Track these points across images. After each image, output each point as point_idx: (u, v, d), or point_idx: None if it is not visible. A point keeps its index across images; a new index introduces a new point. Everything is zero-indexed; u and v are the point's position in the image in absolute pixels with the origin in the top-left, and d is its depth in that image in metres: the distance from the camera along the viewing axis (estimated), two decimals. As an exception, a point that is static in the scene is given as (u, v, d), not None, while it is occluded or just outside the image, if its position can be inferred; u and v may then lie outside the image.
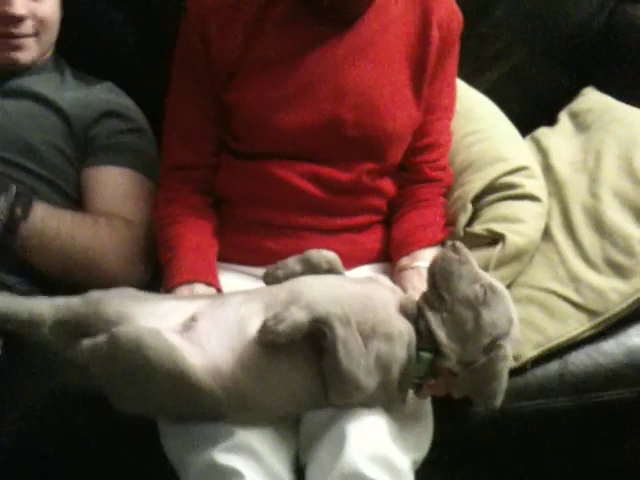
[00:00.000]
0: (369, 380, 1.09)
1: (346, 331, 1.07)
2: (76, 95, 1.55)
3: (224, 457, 1.09)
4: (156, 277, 1.41)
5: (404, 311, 1.15)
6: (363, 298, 1.14)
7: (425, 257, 1.38)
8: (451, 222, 1.44)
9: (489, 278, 1.13)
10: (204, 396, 1.08)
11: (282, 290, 1.16)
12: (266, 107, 1.36)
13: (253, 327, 1.10)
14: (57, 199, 1.48)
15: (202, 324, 1.12)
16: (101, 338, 1.09)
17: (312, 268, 1.21)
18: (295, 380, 1.10)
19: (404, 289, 1.33)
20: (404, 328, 1.13)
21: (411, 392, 1.16)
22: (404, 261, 1.40)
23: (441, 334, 1.11)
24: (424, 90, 1.41)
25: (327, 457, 1.10)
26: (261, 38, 1.37)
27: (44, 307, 1.14)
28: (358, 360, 1.08)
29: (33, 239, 1.36)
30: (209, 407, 1.10)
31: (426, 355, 1.13)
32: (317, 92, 1.36)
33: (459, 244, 1.13)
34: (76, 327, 1.13)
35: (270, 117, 1.36)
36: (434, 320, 1.12)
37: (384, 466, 1.09)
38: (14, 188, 1.35)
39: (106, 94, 1.59)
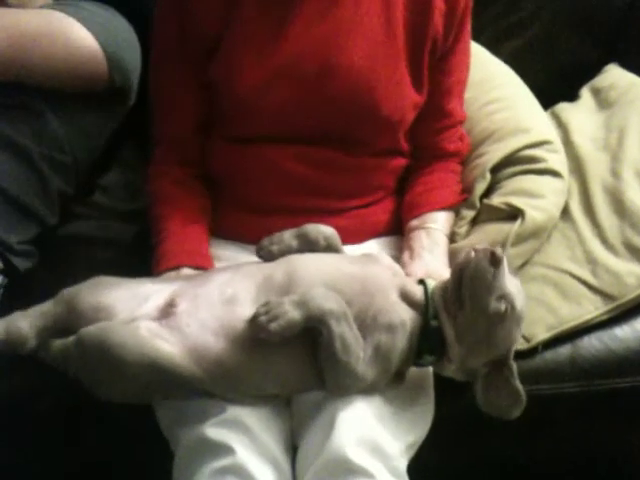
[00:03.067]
0: (368, 372, 1.07)
1: (342, 326, 1.03)
2: None
3: (215, 432, 1.06)
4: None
5: (406, 298, 1.10)
6: (363, 282, 1.10)
7: (436, 220, 1.34)
8: (468, 191, 1.39)
9: (513, 290, 1.06)
10: (186, 380, 1.05)
11: (277, 270, 1.11)
12: (249, 87, 1.28)
13: (241, 310, 1.07)
14: None
15: (181, 308, 1.08)
16: (70, 339, 1.07)
17: (309, 245, 1.16)
18: (284, 365, 1.07)
19: (412, 250, 1.30)
20: (406, 317, 1.08)
21: (411, 371, 1.14)
22: (414, 223, 1.35)
23: (450, 334, 1.08)
24: (424, 71, 1.32)
25: (316, 442, 1.07)
26: (241, 12, 1.28)
27: (20, 324, 1.10)
28: (357, 354, 1.05)
29: None
30: (195, 388, 1.07)
31: (429, 358, 1.10)
32: (302, 70, 1.27)
33: (499, 253, 1.04)
34: (57, 329, 1.11)
35: (254, 98, 1.28)
36: (447, 320, 1.08)
37: (372, 451, 1.05)
38: None
39: None
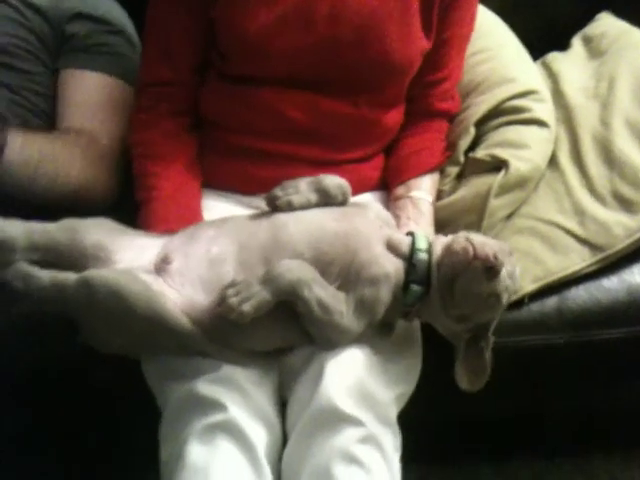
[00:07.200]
0: (354, 324, 1.07)
1: (315, 290, 1.03)
2: None
3: (207, 388, 1.06)
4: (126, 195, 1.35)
5: (392, 248, 1.10)
6: (345, 239, 1.09)
7: (420, 185, 1.34)
8: (452, 147, 1.37)
9: (504, 284, 1.05)
10: (184, 337, 1.06)
11: (260, 228, 1.10)
12: (256, 27, 1.23)
13: (225, 271, 1.07)
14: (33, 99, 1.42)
15: (175, 265, 1.09)
16: (71, 277, 1.04)
17: (327, 199, 1.13)
18: (271, 326, 1.08)
19: (398, 219, 1.29)
20: (391, 270, 1.08)
21: (399, 323, 1.14)
22: (399, 190, 1.35)
23: (436, 300, 1.08)
24: (434, 16, 1.29)
25: (305, 393, 1.08)
26: None
27: (17, 229, 1.07)
28: (338, 310, 1.05)
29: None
30: (190, 346, 1.07)
31: (416, 288, 1.09)
32: (313, 12, 1.24)
33: (498, 267, 1.02)
34: (49, 254, 1.08)
35: (261, 38, 1.24)
36: (436, 292, 1.08)
37: (362, 399, 1.06)
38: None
39: None
